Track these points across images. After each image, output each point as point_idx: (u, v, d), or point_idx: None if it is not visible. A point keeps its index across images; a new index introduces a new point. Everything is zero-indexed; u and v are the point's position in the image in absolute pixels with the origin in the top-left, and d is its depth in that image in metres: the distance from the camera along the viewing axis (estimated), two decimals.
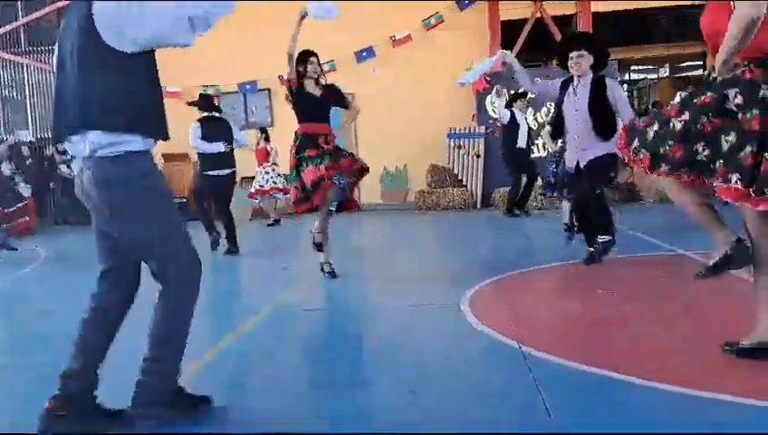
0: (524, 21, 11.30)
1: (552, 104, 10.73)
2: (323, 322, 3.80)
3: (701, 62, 15.45)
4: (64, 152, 11.01)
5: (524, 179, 8.82)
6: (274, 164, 9.85)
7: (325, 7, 4.43)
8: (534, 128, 9.70)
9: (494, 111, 10.73)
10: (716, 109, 2.23)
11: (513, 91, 9.10)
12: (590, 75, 4.66)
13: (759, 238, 2.35)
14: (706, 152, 2.23)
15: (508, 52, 5.08)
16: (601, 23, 11.31)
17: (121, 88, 2.02)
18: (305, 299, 4.34)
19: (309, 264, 5.12)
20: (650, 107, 13.58)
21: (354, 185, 4.78)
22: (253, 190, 9.96)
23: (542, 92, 5.28)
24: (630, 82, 16.76)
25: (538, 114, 10.57)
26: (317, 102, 4.69)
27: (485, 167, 10.93)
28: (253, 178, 10.44)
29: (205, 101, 6.74)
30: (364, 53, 11.29)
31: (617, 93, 4.63)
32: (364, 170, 4.72)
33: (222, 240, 6.52)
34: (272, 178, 9.76)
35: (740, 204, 2.21)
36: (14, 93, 12.81)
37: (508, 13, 11.45)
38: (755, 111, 2.16)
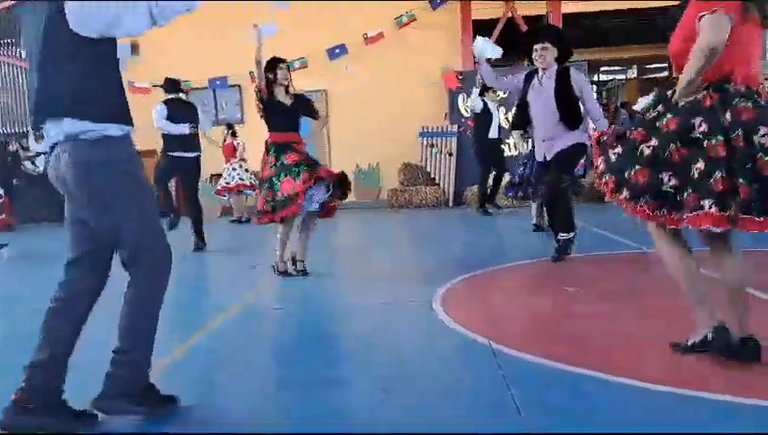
0: (496, 21, 11.39)
1: None
2: (294, 320, 3.78)
3: (667, 64, 15.77)
4: (28, 148, 10.75)
5: (493, 174, 8.83)
6: (242, 160, 9.68)
7: (268, 30, 4.53)
8: (506, 126, 9.79)
9: (466, 110, 10.79)
10: (683, 138, 2.27)
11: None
12: (555, 67, 4.71)
13: (715, 255, 2.40)
14: (672, 182, 2.26)
15: (481, 39, 5.07)
16: (571, 23, 11.47)
17: (94, 75, 2.04)
18: (275, 297, 4.31)
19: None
20: (619, 107, 13.82)
21: (333, 204, 4.76)
22: (220, 187, 9.82)
23: (508, 88, 5.35)
24: (599, 83, 17.04)
25: (510, 113, 10.67)
26: (287, 111, 4.67)
27: (458, 165, 11.00)
28: (221, 174, 10.34)
29: (171, 84, 6.63)
30: (336, 50, 11.25)
31: (581, 83, 4.71)
32: (344, 183, 4.69)
33: (191, 236, 6.44)
34: (239, 174, 9.59)
35: (721, 229, 2.21)
36: None
37: (480, 12, 11.53)
38: (720, 138, 2.21)
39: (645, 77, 16.34)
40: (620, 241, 5.68)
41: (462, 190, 10.90)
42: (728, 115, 2.23)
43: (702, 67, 2.24)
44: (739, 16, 2.27)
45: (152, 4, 2.01)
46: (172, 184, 7.84)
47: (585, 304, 3.68)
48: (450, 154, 11.10)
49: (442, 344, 3.01)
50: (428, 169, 11.23)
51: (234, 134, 9.84)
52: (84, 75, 2.02)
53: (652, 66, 16.27)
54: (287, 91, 4.71)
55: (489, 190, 8.85)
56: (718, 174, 2.19)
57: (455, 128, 11.11)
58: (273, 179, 4.55)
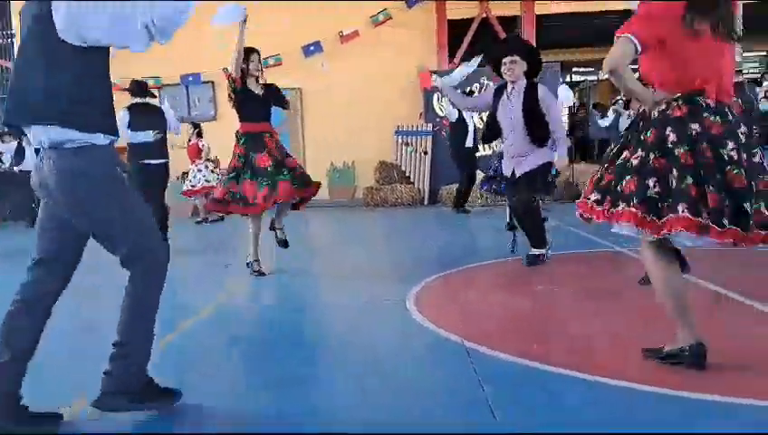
0: (471, 20, 11.45)
1: None
2: (267, 320, 3.74)
3: (637, 66, 15.99)
4: None
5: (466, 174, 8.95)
6: (208, 160, 9.38)
7: (232, 13, 4.40)
8: (480, 127, 9.86)
9: (441, 110, 10.83)
10: (660, 148, 2.31)
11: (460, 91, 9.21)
12: (524, 81, 4.62)
13: (657, 275, 2.45)
14: (657, 189, 2.30)
15: (438, 78, 5.11)
16: (545, 24, 11.57)
17: (83, 82, 2.03)
18: (248, 297, 4.27)
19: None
20: (592, 108, 14.00)
21: (301, 202, 4.76)
22: (185, 189, 9.59)
23: (477, 106, 5.31)
24: (572, 84, 17.20)
25: (483, 115, 10.73)
26: (260, 101, 4.65)
27: (433, 164, 11.03)
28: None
29: (138, 87, 6.44)
30: (311, 48, 11.19)
31: (548, 101, 4.62)
32: (307, 193, 4.67)
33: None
34: (204, 176, 9.23)
35: (696, 235, 2.22)
36: None
37: (455, 12, 11.57)
38: (686, 147, 2.26)
39: None
40: (594, 240, 5.75)
41: (437, 189, 10.94)
42: (697, 126, 2.28)
43: (618, 85, 2.36)
44: (680, 31, 2.28)
45: (148, 21, 1.99)
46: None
47: (558, 302, 3.71)
48: (425, 153, 11.12)
49: (416, 343, 3.01)
50: (404, 168, 11.24)
51: (199, 134, 9.48)
52: (73, 83, 2.01)
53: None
54: (258, 82, 4.69)
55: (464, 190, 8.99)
56: (690, 180, 2.24)
57: (430, 127, 11.14)
58: (240, 174, 4.51)
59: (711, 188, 2.21)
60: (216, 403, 2.33)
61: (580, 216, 2.54)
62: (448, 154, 9.68)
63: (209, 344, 3.17)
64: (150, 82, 10.29)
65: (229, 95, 4.68)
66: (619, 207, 2.34)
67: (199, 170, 9.28)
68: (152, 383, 2.22)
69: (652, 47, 2.31)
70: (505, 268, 4.80)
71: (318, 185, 4.77)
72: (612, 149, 2.57)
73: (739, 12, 2.45)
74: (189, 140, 9.53)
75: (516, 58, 4.59)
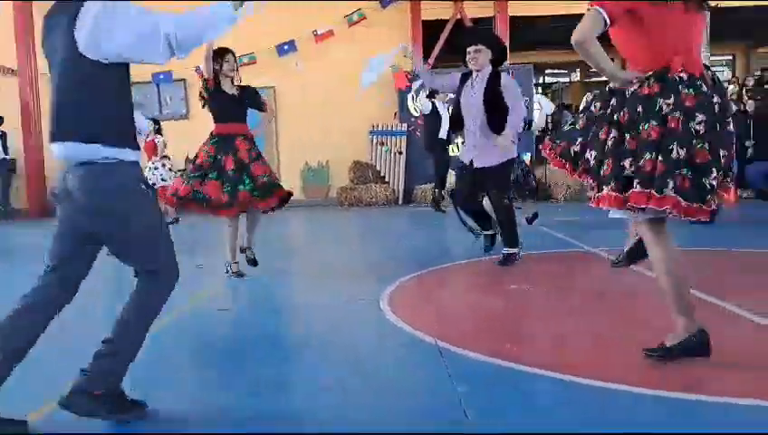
0: (445, 21, 11.50)
1: None
2: (240, 320, 3.70)
3: None
4: None
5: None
6: (164, 157, 8.96)
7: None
8: None
9: (415, 110, 10.85)
10: (633, 127, 2.33)
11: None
12: (488, 70, 4.64)
13: (656, 258, 2.45)
14: (632, 168, 2.32)
15: (408, 45, 5.12)
16: (518, 26, 11.68)
17: (109, 100, 2.06)
18: (220, 298, 4.22)
19: (223, 262, 4.98)
20: (564, 110, 14.16)
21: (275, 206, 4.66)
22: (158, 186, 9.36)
23: (444, 86, 5.22)
24: (545, 85, 17.41)
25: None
26: (234, 102, 4.55)
27: (407, 163, 11.06)
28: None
29: None
30: (285, 47, 11.12)
31: (509, 90, 4.60)
32: (268, 203, 4.56)
33: None
34: (160, 174, 8.80)
35: (654, 205, 2.27)
36: None
37: (429, 12, 11.61)
38: (653, 123, 2.28)
39: (588, 80, 16.80)
40: (566, 240, 5.83)
41: (412, 189, 10.97)
42: (671, 100, 2.28)
43: (585, 57, 2.35)
44: (648, 5, 2.29)
45: (170, 34, 1.99)
46: None
47: (532, 302, 3.75)
48: (400, 153, 11.15)
49: (389, 343, 3.01)
50: (378, 168, 11.25)
51: (158, 131, 9.02)
52: (101, 99, 2.04)
53: (595, 70, 16.77)
54: (233, 83, 4.62)
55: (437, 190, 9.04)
56: (648, 155, 2.26)
57: (404, 127, 11.16)
58: (207, 173, 4.43)
59: (660, 158, 2.24)
60: (188, 407, 2.30)
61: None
62: (423, 154, 9.71)
63: (181, 347, 3.12)
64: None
65: (200, 94, 4.61)
66: (603, 192, 2.36)
67: (156, 168, 8.81)
68: (123, 395, 2.17)
69: (622, 20, 2.30)
70: (479, 268, 4.83)
71: (288, 193, 4.65)
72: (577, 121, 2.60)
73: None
74: (147, 136, 9.17)
75: (481, 47, 4.60)
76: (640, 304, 3.43)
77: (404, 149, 11.11)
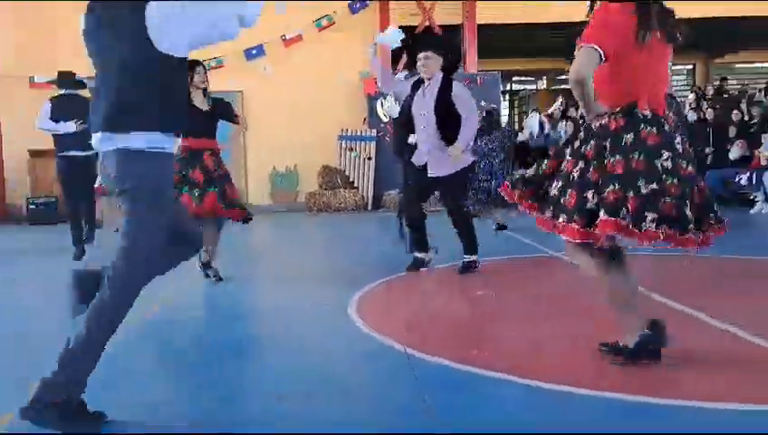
0: (414, 27, 11.56)
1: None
2: (203, 327, 3.65)
3: None
4: None
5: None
6: None
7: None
8: None
9: (384, 115, 10.87)
10: (599, 160, 2.38)
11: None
12: (440, 77, 4.50)
13: (604, 275, 2.52)
14: (595, 200, 2.36)
15: (374, 48, 4.86)
16: (486, 34, 11.81)
17: (158, 87, 2.11)
18: (187, 304, 4.15)
19: (190, 266, 4.90)
20: (529, 113, 14.33)
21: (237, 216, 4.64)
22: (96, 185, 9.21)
23: (397, 91, 5.03)
24: (512, 93, 17.64)
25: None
26: (204, 116, 4.48)
27: (377, 169, 11.07)
28: None
29: (63, 78, 6.14)
30: (254, 51, 11.04)
31: (462, 99, 4.47)
32: (230, 214, 4.57)
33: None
34: None
35: (612, 233, 2.31)
36: None
37: (398, 19, 11.65)
38: (618, 157, 2.34)
39: (553, 88, 17.09)
40: (534, 245, 5.89)
41: (381, 194, 10.97)
42: (631, 136, 2.35)
43: (580, 97, 2.38)
44: (631, 45, 2.36)
45: (240, 12, 2.10)
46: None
47: (499, 307, 3.77)
48: (369, 158, 11.15)
49: (355, 349, 2.99)
50: (347, 173, 11.23)
51: None
52: (158, 90, 2.11)
53: (561, 78, 17.05)
54: (205, 95, 4.54)
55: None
56: (611, 187, 2.31)
57: (374, 132, 11.17)
58: (180, 189, 4.37)
59: (631, 194, 2.29)
60: (147, 413, 2.24)
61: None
62: (392, 159, 9.70)
63: (144, 353, 3.06)
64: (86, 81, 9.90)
65: None
66: (561, 219, 2.41)
67: None
68: (84, 405, 2.09)
69: (610, 58, 2.35)
70: (447, 274, 4.85)
71: (250, 218, 4.67)
72: (549, 157, 2.64)
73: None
74: None
75: (430, 54, 4.48)
76: (603, 308, 3.48)
77: (373, 155, 11.12)
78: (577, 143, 2.50)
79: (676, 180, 2.33)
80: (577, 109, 11.90)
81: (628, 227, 2.28)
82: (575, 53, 2.37)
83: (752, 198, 8.65)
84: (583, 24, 2.53)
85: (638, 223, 2.28)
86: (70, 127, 5.87)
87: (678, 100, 10.32)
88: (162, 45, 2.06)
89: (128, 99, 2.09)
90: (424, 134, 4.57)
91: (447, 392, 2.37)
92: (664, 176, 2.32)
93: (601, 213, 2.31)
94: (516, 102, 18.02)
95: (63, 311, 2.16)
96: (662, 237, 2.30)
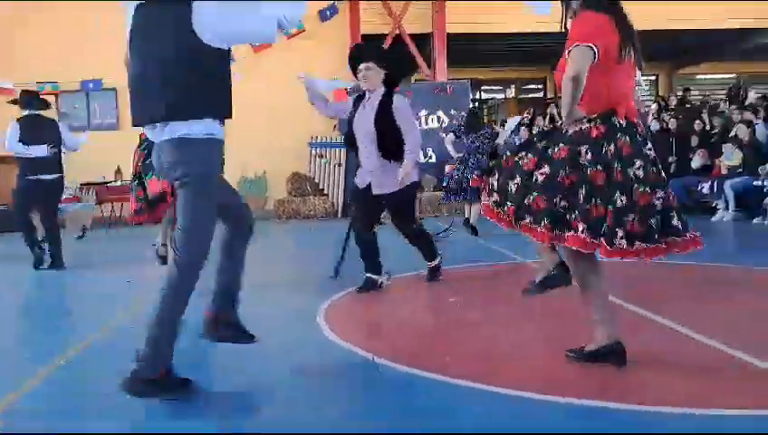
0: (384, 36, 11.60)
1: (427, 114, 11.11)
2: None
3: (542, 85, 16.86)
4: None
5: None
6: None
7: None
8: None
9: None
10: (572, 164, 2.41)
11: None
12: (381, 91, 4.25)
13: (579, 274, 2.57)
14: (563, 203, 2.41)
15: (306, 75, 4.48)
16: (456, 42, 11.91)
17: (210, 78, 2.28)
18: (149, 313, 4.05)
19: (152, 275, 4.80)
20: (501, 124, 14.50)
21: None
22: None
23: (339, 112, 4.65)
24: (481, 101, 17.81)
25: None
26: None
27: (347, 176, 11.04)
28: (92, 184, 9.68)
29: (27, 99, 5.99)
30: None
31: (403, 114, 4.23)
32: None
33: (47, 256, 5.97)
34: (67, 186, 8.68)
35: (586, 251, 2.40)
36: None
37: (368, 27, 11.69)
38: (599, 167, 2.38)
39: (522, 97, 17.32)
40: (503, 253, 5.93)
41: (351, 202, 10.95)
42: (612, 147, 2.40)
43: (570, 96, 2.37)
44: (616, 54, 2.42)
45: (281, 16, 2.33)
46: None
47: (468, 314, 3.77)
48: (339, 164, 11.12)
49: (323, 357, 2.97)
50: (317, 180, 11.18)
51: None
52: (207, 78, 2.26)
53: (529, 87, 17.29)
54: None
55: None
56: (595, 201, 2.37)
57: (344, 138, 11.15)
58: (142, 176, 4.36)
59: (610, 207, 2.35)
60: (105, 425, 2.18)
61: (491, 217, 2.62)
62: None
63: (107, 362, 2.97)
64: (47, 88, 9.70)
65: None
66: (526, 220, 2.45)
67: None
68: (172, 371, 2.36)
69: (599, 61, 2.37)
70: (415, 281, 4.84)
71: None
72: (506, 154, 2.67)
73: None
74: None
75: (371, 65, 4.20)
76: (569, 315, 3.51)
77: (343, 162, 11.09)
78: (541, 144, 2.52)
79: (648, 189, 2.38)
80: (545, 118, 12.09)
81: (605, 246, 2.35)
82: (566, 54, 2.39)
83: (713, 205, 8.87)
84: (552, 34, 2.57)
85: (611, 239, 2.34)
86: (42, 151, 5.77)
87: (643, 110, 10.56)
88: (204, 37, 2.21)
89: (183, 88, 2.22)
90: (366, 151, 4.32)
91: (414, 399, 2.36)
92: (636, 185, 2.37)
93: (580, 226, 2.36)
94: (486, 111, 18.20)
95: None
96: (638, 254, 2.37)
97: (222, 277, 2.67)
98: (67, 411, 2.39)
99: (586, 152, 2.41)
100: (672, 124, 10.57)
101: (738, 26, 12.41)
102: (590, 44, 2.34)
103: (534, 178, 2.46)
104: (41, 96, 6.21)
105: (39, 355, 3.18)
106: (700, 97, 15.30)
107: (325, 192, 11.16)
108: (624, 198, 2.36)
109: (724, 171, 9.00)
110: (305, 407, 2.36)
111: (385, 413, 2.24)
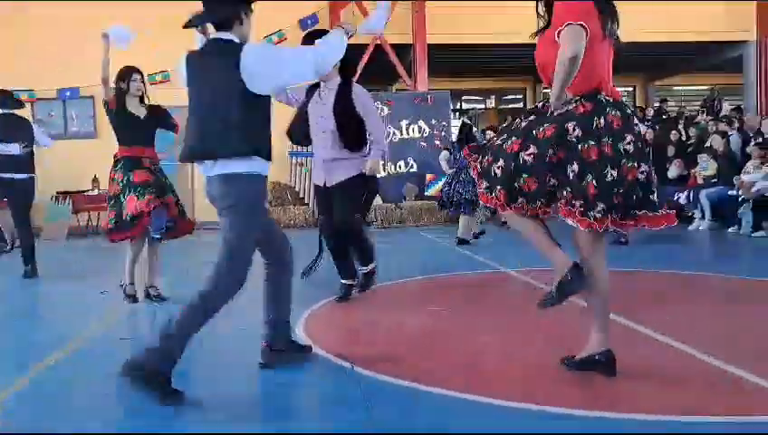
0: (365, 45, 11.62)
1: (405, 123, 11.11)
2: (141, 349, 3.50)
3: (521, 96, 17.02)
4: None
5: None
6: None
7: (121, 36, 4.22)
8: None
9: None
10: (559, 142, 2.40)
11: None
12: (337, 80, 4.12)
13: (590, 257, 2.54)
14: (553, 181, 2.41)
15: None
16: (436, 53, 11.97)
17: (256, 122, 2.57)
18: (123, 326, 3.99)
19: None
20: (482, 133, 14.59)
21: (177, 231, 4.55)
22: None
23: (291, 101, 4.43)
24: (461, 111, 17.92)
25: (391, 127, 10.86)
26: (140, 124, 4.36)
27: None
28: (69, 193, 9.55)
29: (1, 98, 5.91)
30: None
31: (363, 100, 4.12)
32: (186, 227, 4.57)
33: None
34: None
35: (584, 228, 2.41)
36: None
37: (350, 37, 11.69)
38: (591, 142, 2.38)
39: (502, 107, 17.46)
40: (484, 262, 5.94)
41: None
42: (602, 121, 2.39)
43: (567, 76, 2.34)
44: (600, 31, 2.42)
45: (318, 60, 2.60)
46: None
47: (449, 323, 3.77)
48: None
49: (304, 366, 2.93)
50: (297, 189, 11.13)
51: None
52: (254, 122, 2.54)
53: (508, 97, 17.45)
54: (141, 101, 4.42)
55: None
56: (590, 177, 2.36)
57: None
58: (120, 197, 4.26)
59: (596, 183, 2.36)
60: None
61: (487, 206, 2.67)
62: None
63: (79, 375, 2.91)
64: (23, 96, 9.53)
65: (107, 113, 4.42)
66: (519, 201, 2.46)
67: None
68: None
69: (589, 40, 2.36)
70: (397, 290, 4.83)
71: (191, 225, 4.66)
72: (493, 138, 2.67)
73: None
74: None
75: None
76: (552, 324, 3.52)
77: None
78: (523, 124, 2.51)
79: (635, 163, 2.39)
80: None
81: (595, 220, 2.38)
82: (557, 35, 2.36)
83: (690, 215, 8.99)
84: (532, 46, 2.58)
85: (587, 211, 2.36)
86: (14, 149, 5.70)
87: None
88: (253, 88, 2.50)
89: (229, 130, 2.49)
90: (322, 141, 4.17)
91: (394, 408, 2.34)
92: (624, 160, 2.38)
93: (577, 203, 2.37)
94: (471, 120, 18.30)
95: None
96: (607, 227, 2.40)
97: (272, 314, 2.93)
98: (41, 421, 2.33)
99: (574, 129, 2.40)
100: (649, 135, 10.72)
101: (709, 39, 12.64)
102: (581, 23, 2.33)
103: (522, 159, 2.44)
104: (11, 97, 6.10)
105: (6, 369, 3.10)
106: (676, 108, 15.55)
107: (306, 201, 11.10)
108: (615, 172, 2.36)
109: (699, 181, 9.14)
110: (283, 417, 2.32)
111: (364, 421, 2.21)
